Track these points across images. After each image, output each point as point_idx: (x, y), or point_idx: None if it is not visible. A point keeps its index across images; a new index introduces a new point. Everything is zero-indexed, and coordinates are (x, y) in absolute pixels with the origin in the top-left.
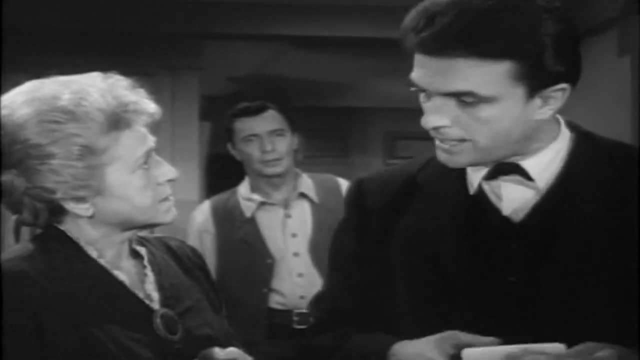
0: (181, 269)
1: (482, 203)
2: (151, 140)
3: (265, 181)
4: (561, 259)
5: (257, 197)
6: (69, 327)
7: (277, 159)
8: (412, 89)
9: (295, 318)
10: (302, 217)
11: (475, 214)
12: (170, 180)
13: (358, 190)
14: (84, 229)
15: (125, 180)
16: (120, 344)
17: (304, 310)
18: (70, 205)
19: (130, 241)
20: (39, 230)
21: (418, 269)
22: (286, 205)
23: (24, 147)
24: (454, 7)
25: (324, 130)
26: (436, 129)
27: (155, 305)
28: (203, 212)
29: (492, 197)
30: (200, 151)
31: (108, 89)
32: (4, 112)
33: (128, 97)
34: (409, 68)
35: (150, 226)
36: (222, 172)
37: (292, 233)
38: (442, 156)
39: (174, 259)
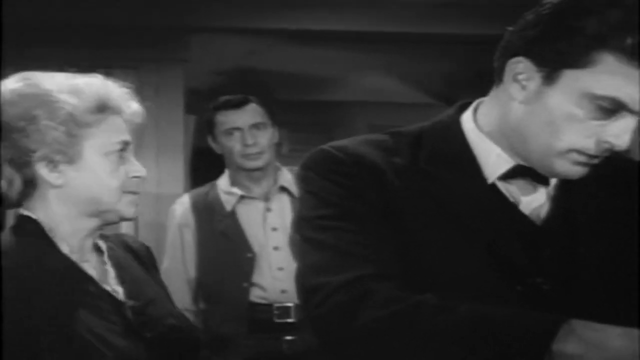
0: (139, 264)
1: (501, 199)
2: (128, 136)
3: (245, 175)
4: (587, 258)
5: (237, 191)
6: (47, 319)
7: (259, 153)
8: (602, 104)
9: (276, 312)
10: (282, 211)
11: (495, 207)
12: (137, 177)
13: (337, 158)
14: (52, 207)
15: (98, 159)
16: (96, 334)
17: (286, 304)
18: (43, 171)
19: (93, 236)
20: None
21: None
22: (266, 199)
23: (18, 112)
24: None
25: (309, 124)
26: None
27: (121, 298)
28: (183, 206)
29: (508, 196)
30: (185, 144)
31: (103, 83)
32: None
33: (119, 92)
34: (394, 62)
35: (113, 217)
36: (207, 165)
37: (272, 227)
38: (580, 170)
39: (132, 254)
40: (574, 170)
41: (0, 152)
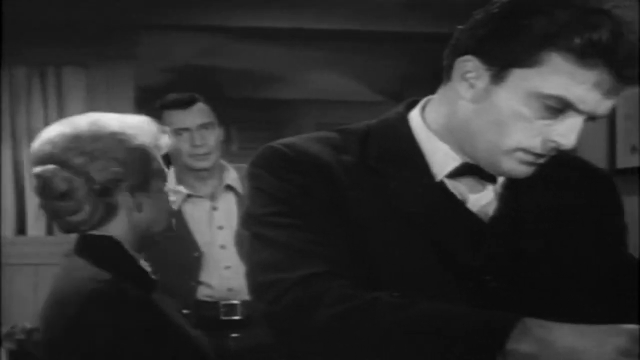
0: None
1: (449, 197)
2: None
3: (192, 174)
4: (533, 256)
5: (183, 190)
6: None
7: (207, 153)
8: (549, 103)
9: (222, 309)
10: (228, 210)
11: (443, 205)
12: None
13: (286, 155)
14: (125, 229)
15: (160, 187)
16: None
17: (232, 302)
18: (126, 198)
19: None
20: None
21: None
22: (212, 197)
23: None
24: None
25: (259, 121)
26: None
27: None
28: None
29: (456, 194)
30: None
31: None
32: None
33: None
34: (344, 60)
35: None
36: None
37: (218, 225)
38: (526, 169)
39: None
40: (520, 169)
41: (82, 181)
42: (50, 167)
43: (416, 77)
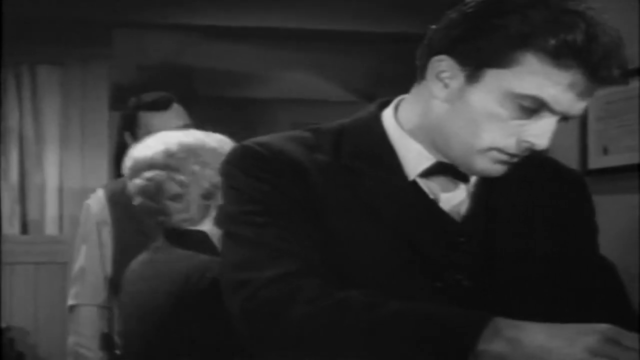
0: None
1: (421, 196)
2: None
3: None
4: (505, 255)
5: None
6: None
7: None
8: (524, 103)
9: None
10: None
11: (416, 204)
12: None
13: (259, 154)
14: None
15: None
16: None
17: None
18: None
19: None
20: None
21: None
22: None
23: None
24: (615, 33)
25: (232, 121)
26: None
27: None
28: (99, 202)
29: (429, 192)
30: (110, 140)
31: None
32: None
33: None
34: (318, 60)
35: None
36: None
37: None
38: (500, 169)
39: None
40: (494, 168)
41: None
42: (163, 172)
43: (389, 77)
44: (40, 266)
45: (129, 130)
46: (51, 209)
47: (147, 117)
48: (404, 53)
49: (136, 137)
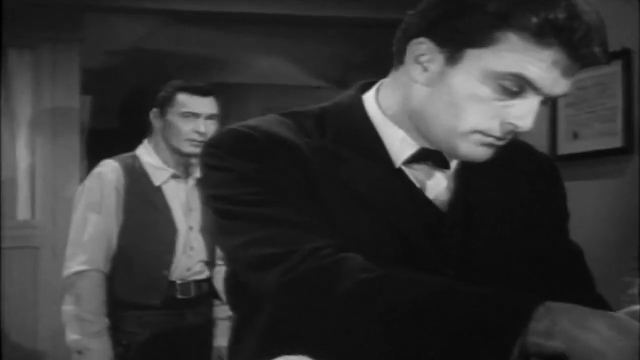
0: None
1: (407, 184)
2: None
3: (178, 157)
4: (486, 244)
5: (169, 169)
6: None
7: (202, 142)
8: (505, 84)
9: (179, 288)
10: (196, 193)
11: (402, 191)
12: None
13: (253, 137)
14: None
15: None
16: None
17: (187, 280)
18: None
19: None
20: None
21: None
22: (187, 180)
23: None
24: (596, 13)
25: None
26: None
27: None
28: (114, 171)
29: (414, 180)
30: (81, 125)
31: None
32: None
33: None
34: (288, 45)
35: None
36: (102, 145)
37: (189, 208)
38: (485, 152)
39: None
40: (478, 151)
41: None
42: None
43: (357, 62)
44: (11, 251)
45: (161, 107)
46: (23, 193)
47: (187, 99)
48: (372, 38)
49: (163, 116)
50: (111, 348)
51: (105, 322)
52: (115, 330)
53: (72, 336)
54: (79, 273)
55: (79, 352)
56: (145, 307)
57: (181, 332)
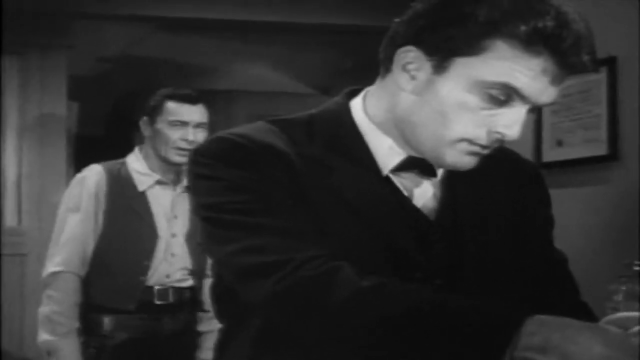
0: None
1: (395, 192)
2: None
3: (165, 165)
4: (473, 252)
5: (155, 175)
6: None
7: (189, 150)
8: (493, 93)
9: (157, 294)
10: (183, 201)
11: (390, 200)
12: None
13: (242, 145)
14: None
15: None
16: None
17: (166, 286)
18: None
19: None
20: None
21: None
22: (174, 187)
23: None
24: (584, 22)
25: None
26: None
27: None
28: (97, 174)
29: (402, 188)
30: (68, 131)
31: None
32: None
33: None
34: (273, 52)
35: None
36: (89, 152)
37: (174, 215)
38: (471, 161)
39: None
40: (464, 160)
41: None
42: None
43: (345, 70)
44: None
45: (150, 116)
46: (10, 200)
47: (175, 107)
48: (359, 45)
49: (153, 124)
50: (80, 350)
51: (75, 324)
52: (89, 333)
53: (43, 336)
54: (54, 274)
55: (49, 353)
56: (121, 311)
57: (158, 337)
